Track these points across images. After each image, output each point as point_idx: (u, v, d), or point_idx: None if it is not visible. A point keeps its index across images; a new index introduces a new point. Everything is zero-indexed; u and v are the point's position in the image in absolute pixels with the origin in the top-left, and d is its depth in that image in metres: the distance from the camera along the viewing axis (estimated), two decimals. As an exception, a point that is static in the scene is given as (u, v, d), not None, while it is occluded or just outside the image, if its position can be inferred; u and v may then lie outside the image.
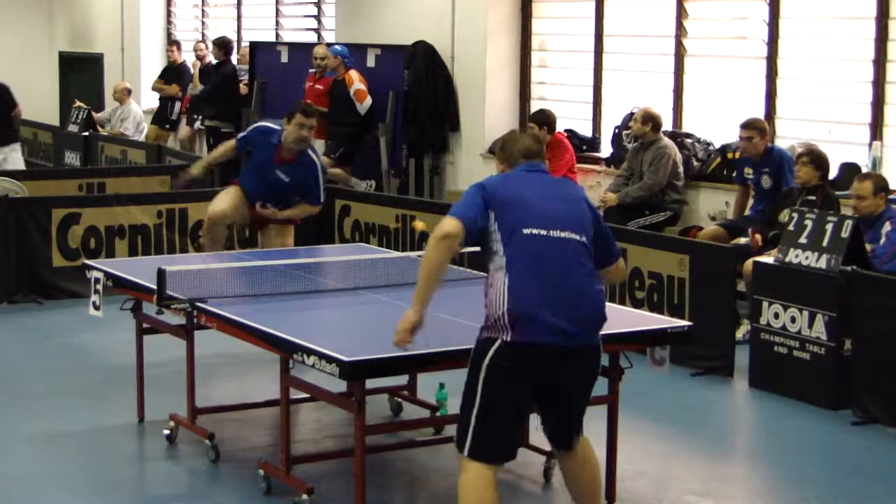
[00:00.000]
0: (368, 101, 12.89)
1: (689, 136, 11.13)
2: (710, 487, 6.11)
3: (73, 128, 16.03)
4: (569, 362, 4.74)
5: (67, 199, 10.57)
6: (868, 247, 7.71)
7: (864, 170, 9.42)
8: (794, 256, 7.64)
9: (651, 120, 10.55)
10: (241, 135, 8.84)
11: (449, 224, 4.70)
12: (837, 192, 8.95)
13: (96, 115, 16.58)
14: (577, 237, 4.79)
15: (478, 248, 4.90)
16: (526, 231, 4.72)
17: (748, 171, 9.78)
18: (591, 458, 5.08)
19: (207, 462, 6.30)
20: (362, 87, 12.89)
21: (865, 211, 7.94)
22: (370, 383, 5.41)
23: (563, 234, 4.75)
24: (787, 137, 10.38)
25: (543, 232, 4.73)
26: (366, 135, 13.06)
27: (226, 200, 8.54)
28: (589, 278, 4.79)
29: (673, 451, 6.73)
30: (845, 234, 7.44)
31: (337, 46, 13.28)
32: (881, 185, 8.05)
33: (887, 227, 7.89)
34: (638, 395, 6.84)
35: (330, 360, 5.01)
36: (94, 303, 6.85)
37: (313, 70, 13.45)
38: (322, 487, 5.76)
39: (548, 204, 4.81)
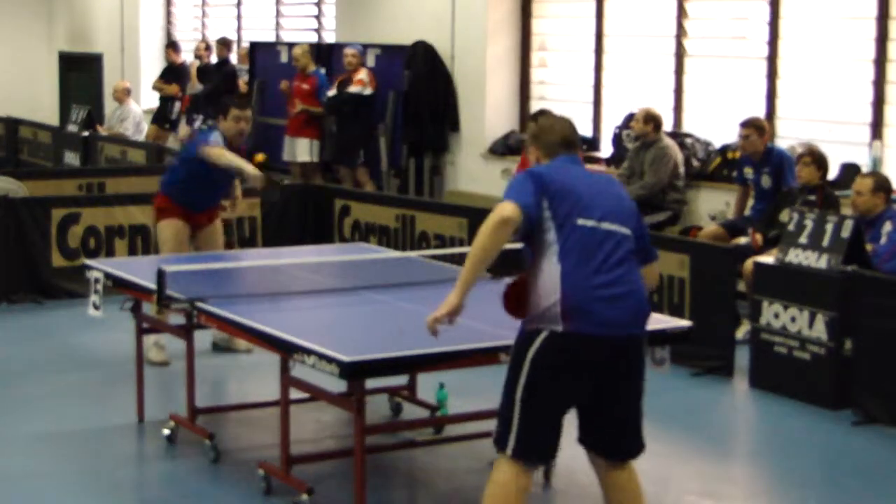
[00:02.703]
0: (364, 90, 12.85)
1: (689, 135, 11.13)
2: (710, 487, 6.11)
3: (72, 128, 16.03)
4: (619, 356, 4.64)
5: (67, 199, 10.56)
6: (869, 246, 7.72)
7: (865, 170, 9.43)
8: (795, 256, 7.64)
9: (652, 120, 10.56)
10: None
11: (509, 208, 4.52)
12: (837, 192, 8.95)
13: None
14: (626, 230, 4.71)
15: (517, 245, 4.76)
16: (580, 222, 4.60)
17: (748, 171, 9.78)
18: (637, 488, 4.87)
19: (207, 462, 6.29)
20: (364, 78, 12.89)
21: (862, 207, 7.94)
22: (370, 383, 5.41)
23: (613, 227, 4.67)
24: (788, 137, 10.39)
25: (595, 223, 4.64)
26: (363, 123, 13.00)
27: (172, 245, 8.10)
28: (636, 272, 4.73)
29: (673, 451, 6.72)
30: (845, 234, 7.43)
31: (358, 45, 13.28)
32: (882, 185, 8.05)
33: (888, 226, 7.89)
34: (638, 395, 6.82)
35: (330, 360, 5.00)
36: (93, 303, 6.85)
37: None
38: (322, 487, 5.76)
39: (598, 196, 4.70)
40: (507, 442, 4.60)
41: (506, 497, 4.58)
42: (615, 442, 4.78)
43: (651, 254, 4.95)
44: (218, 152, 7.75)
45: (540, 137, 4.94)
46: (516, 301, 4.74)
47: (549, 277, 4.57)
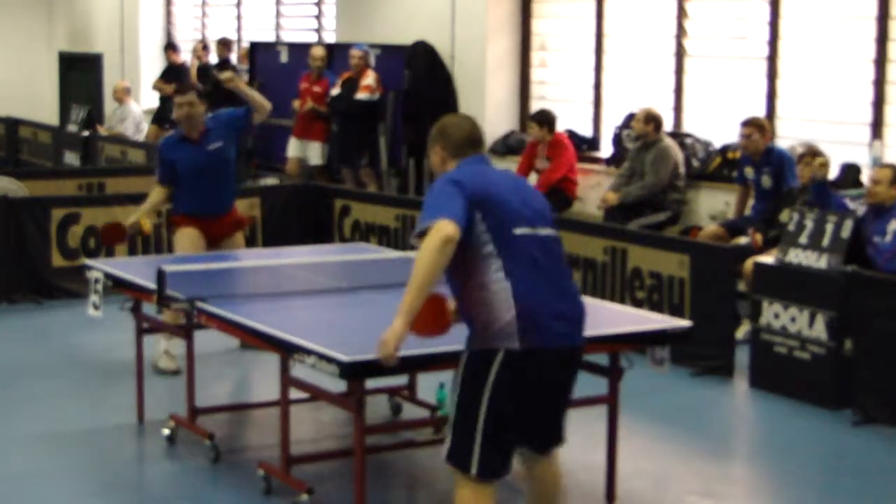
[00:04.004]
0: (370, 96, 12.86)
1: (689, 135, 11.13)
2: (710, 487, 6.11)
3: (72, 128, 16.03)
4: (568, 366, 4.60)
5: (67, 199, 10.57)
6: (875, 239, 7.71)
7: (865, 170, 9.42)
8: (795, 256, 7.64)
9: (653, 120, 10.56)
10: (157, 170, 8.32)
11: (449, 227, 4.32)
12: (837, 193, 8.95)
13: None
14: (555, 233, 4.63)
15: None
16: (517, 231, 4.47)
17: (748, 171, 9.78)
18: (561, 472, 4.86)
19: (207, 462, 6.29)
20: (372, 83, 12.88)
21: (878, 197, 7.90)
22: (370, 383, 5.41)
23: (545, 232, 4.57)
24: (788, 137, 10.38)
25: (531, 231, 4.52)
26: (366, 125, 13.01)
27: (189, 250, 8.04)
28: (570, 275, 4.71)
29: (673, 451, 6.72)
30: (845, 234, 7.44)
31: (364, 45, 13.26)
32: None
33: (894, 224, 7.85)
34: (638, 395, 6.83)
35: (330, 360, 5.00)
36: (93, 303, 6.85)
37: (308, 71, 13.49)
38: (322, 487, 5.76)
39: (521, 200, 4.56)
40: (469, 463, 4.46)
41: None
42: (545, 437, 4.73)
43: None
44: (151, 190, 8.27)
45: (444, 136, 4.76)
46: (434, 319, 4.51)
47: (499, 294, 4.42)
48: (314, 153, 13.43)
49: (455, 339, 5.23)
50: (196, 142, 8.10)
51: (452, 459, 4.53)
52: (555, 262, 4.57)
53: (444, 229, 4.33)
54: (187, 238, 8.09)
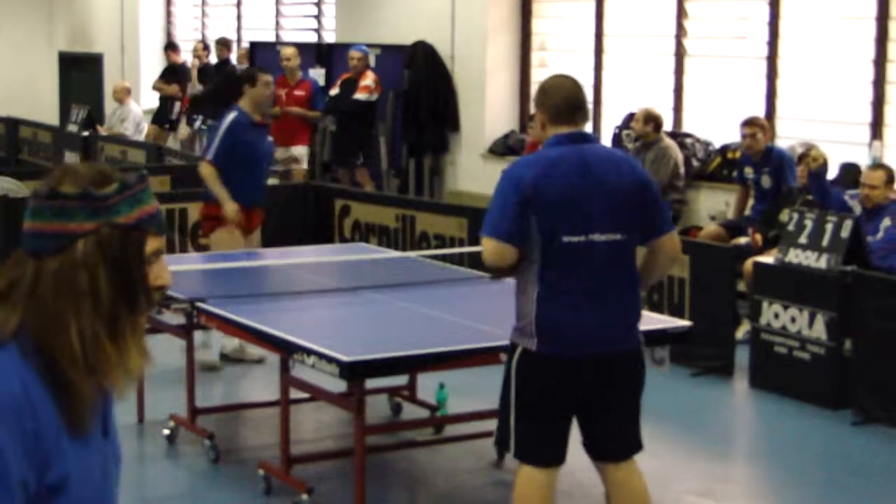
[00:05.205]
0: (371, 97, 12.78)
1: (689, 135, 11.13)
2: (710, 487, 6.11)
3: (72, 128, 16.03)
4: (597, 373, 4.55)
5: (67, 199, 10.53)
6: (868, 238, 7.72)
7: (865, 170, 9.42)
8: (794, 256, 7.64)
9: (653, 120, 10.55)
10: (211, 151, 7.93)
11: (496, 252, 4.41)
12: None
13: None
14: (618, 236, 4.47)
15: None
16: (565, 239, 4.40)
17: (748, 171, 9.78)
18: (637, 486, 4.82)
19: (207, 462, 6.29)
20: (371, 84, 12.75)
21: (876, 200, 7.94)
22: (370, 383, 5.41)
23: (602, 238, 4.45)
24: (788, 137, 10.38)
25: (583, 238, 4.41)
26: (363, 125, 12.90)
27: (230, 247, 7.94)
28: (624, 283, 4.56)
29: (673, 451, 6.72)
30: (845, 234, 7.44)
31: (363, 46, 13.12)
32: (892, 176, 8.08)
33: (886, 222, 7.88)
34: (638, 395, 6.82)
35: (330, 360, 5.00)
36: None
37: (281, 73, 12.70)
38: (322, 487, 5.76)
39: (590, 200, 4.43)
40: (508, 444, 4.63)
41: (528, 497, 4.61)
42: (608, 447, 4.75)
43: (660, 227, 4.62)
44: (209, 174, 7.84)
45: (544, 99, 4.58)
46: None
47: (529, 295, 4.48)
48: (302, 157, 13.04)
49: (455, 339, 5.24)
50: (262, 127, 8.06)
51: (496, 440, 4.71)
52: (603, 270, 4.48)
53: (492, 253, 4.45)
54: (235, 240, 7.90)
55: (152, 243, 2.08)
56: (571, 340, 4.47)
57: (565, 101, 4.54)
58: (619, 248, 4.51)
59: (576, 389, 4.56)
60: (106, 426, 2.14)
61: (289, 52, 13.06)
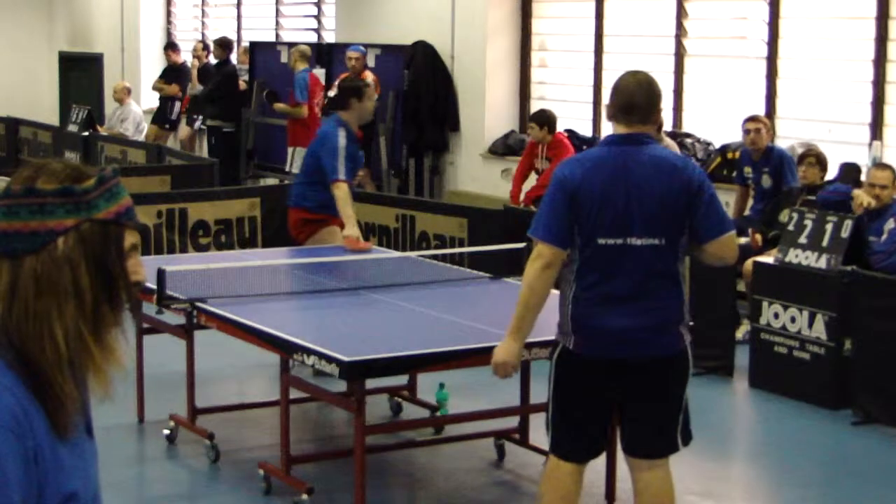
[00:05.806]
0: None
1: (689, 135, 11.13)
2: (710, 487, 6.11)
3: (72, 128, 16.03)
4: (632, 375, 4.59)
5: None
6: (871, 238, 7.71)
7: (865, 170, 9.42)
8: (794, 256, 7.64)
9: (652, 120, 10.54)
10: (340, 170, 7.55)
11: (548, 254, 4.44)
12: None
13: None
14: (657, 241, 4.47)
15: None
16: (601, 241, 4.44)
17: (748, 171, 9.78)
18: (664, 488, 4.82)
19: (207, 462, 6.29)
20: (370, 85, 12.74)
21: (885, 200, 7.92)
22: (370, 383, 5.41)
23: (641, 241, 4.46)
24: (788, 137, 10.38)
25: (620, 241, 4.44)
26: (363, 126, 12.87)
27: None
28: (662, 287, 4.56)
29: (673, 451, 6.71)
30: (845, 234, 7.44)
31: (360, 46, 13.10)
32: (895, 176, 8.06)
33: (891, 223, 7.85)
34: (638, 395, 6.82)
35: (330, 360, 5.01)
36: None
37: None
38: (322, 487, 5.76)
39: (633, 203, 4.45)
40: (548, 435, 4.73)
41: (554, 487, 4.67)
42: (637, 446, 4.75)
43: (706, 233, 4.56)
44: (345, 195, 7.55)
45: (613, 94, 4.75)
46: None
47: (566, 294, 4.56)
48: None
49: (455, 339, 5.24)
50: (358, 140, 8.00)
51: (546, 428, 4.75)
52: (640, 273, 4.49)
53: (544, 257, 4.46)
54: (338, 239, 7.72)
55: (129, 238, 2.06)
56: (603, 342, 4.52)
57: (622, 102, 4.68)
58: (658, 252, 4.51)
59: (606, 390, 4.61)
60: (89, 425, 2.13)
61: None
